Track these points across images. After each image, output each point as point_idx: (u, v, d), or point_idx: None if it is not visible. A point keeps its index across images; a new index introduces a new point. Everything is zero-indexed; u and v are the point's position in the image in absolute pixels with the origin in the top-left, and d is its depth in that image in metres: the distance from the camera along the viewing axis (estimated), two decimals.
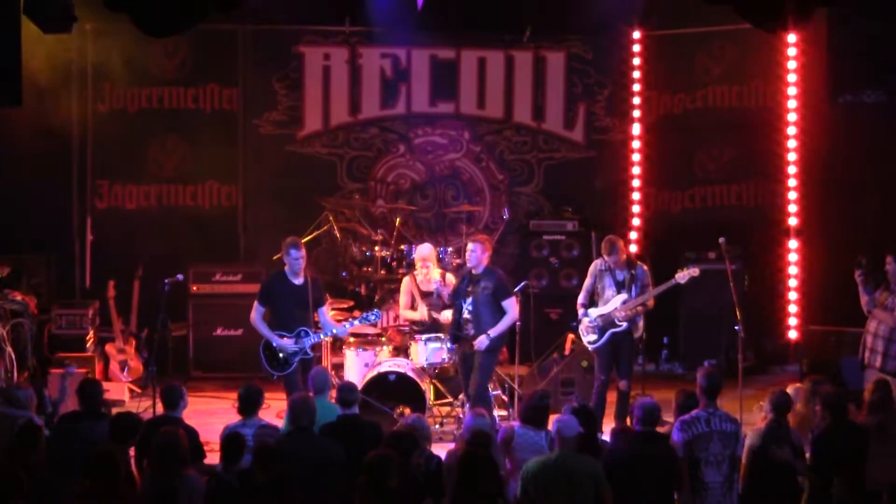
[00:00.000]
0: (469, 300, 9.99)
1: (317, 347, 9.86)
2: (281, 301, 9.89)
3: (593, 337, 10.32)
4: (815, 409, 8.35)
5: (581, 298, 10.44)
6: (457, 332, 10.12)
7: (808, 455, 7.99)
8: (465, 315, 10.02)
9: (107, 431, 7.78)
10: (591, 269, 10.44)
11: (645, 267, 10.45)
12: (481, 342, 9.93)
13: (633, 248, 13.12)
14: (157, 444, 7.24)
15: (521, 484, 7.27)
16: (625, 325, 10.22)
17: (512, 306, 10.04)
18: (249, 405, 8.20)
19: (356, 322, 10.28)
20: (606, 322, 10.24)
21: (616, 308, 10.20)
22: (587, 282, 10.44)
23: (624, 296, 10.20)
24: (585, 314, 10.33)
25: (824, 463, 7.80)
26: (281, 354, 9.76)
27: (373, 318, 10.27)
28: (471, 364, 10.01)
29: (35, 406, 8.55)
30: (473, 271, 10.01)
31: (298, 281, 9.85)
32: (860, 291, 10.09)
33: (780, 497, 7.82)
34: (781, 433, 7.88)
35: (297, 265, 9.84)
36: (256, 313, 9.94)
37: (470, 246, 10.01)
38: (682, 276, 10.28)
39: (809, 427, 8.32)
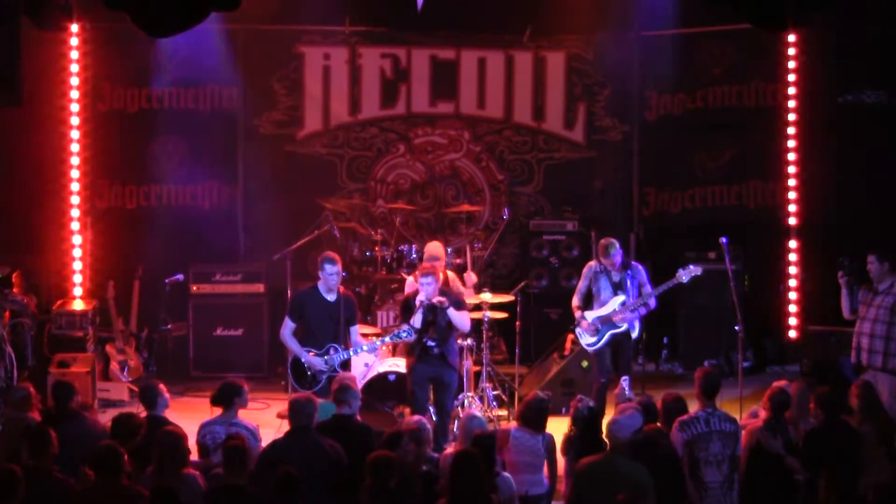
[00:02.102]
0: (431, 330, 9.75)
1: (347, 364, 9.67)
2: (312, 317, 9.73)
3: (592, 339, 10.31)
4: (809, 408, 8.34)
5: (576, 301, 10.42)
6: (424, 355, 9.77)
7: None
8: (430, 344, 9.72)
9: (82, 430, 7.82)
10: (586, 271, 10.42)
11: (640, 266, 10.46)
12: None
13: (633, 249, 13.12)
14: (158, 444, 7.25)
15: (572, 482, 7.29)
16: (624, 326, 10.22)
17: (467, 317, 9.97)
18: (221, 398, 8.28)
19: (387, 339, 10.02)
20: (605, 324, 10.23)
21: (615, 310, 10.19)
22: (581, 284, 10.42)
23: (622, 297, 10.20)
24: (583, 317, 10.33)
25: (813, 462, 7.79)
26: (309, 371, 9.62)
27: (404, 335, 9.79)
28: (436, 381, 9.80)
29: (38, 404, 8.58)
30: (430, 301, 9.72)
31: (331, 297, 9.70)
32: (842, 295, 10.04)
33: (778, 496, 7.83)
34: (779, 429, 7.89)
35: (332, 280, 9.67)
36: (286, 329, 9.75)
37: (426, 279, 9.66)
38: (685, 274, 10.26)
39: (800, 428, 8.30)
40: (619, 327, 10.21)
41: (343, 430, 7.97)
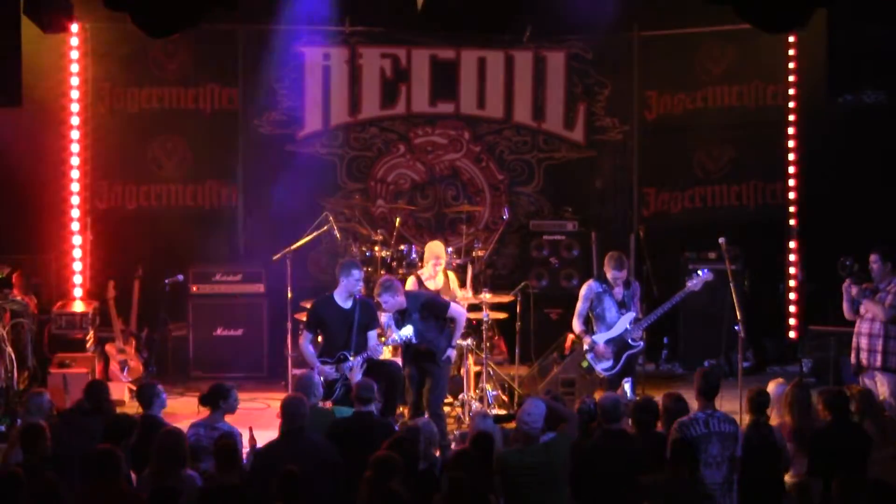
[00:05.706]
0: (411, 333, 9.68)
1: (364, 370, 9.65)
2: (328, 325, 9.76)
3: (608, 363, 10.09)
4: (808, 409, 8.33)
5: (579, 326, 10.15)
6: (407, 349, 9.85)
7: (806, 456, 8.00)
8: (411, 340, 9.69)
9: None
10: (586, 292, 10.13)
11: (636, 282, 10.39)
12: (451, 354, 9.91)
13: (633, 249, 13.12)
14: (158, 444, 7.25)
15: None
16: (640, 344, 10.11)
17: (456, 310, 9.91)
18: (208, 399, 8.31)
19: (389, 342, 10.01)
20: (620, 346, 10.05)
21: (627, 329, 10.05)
22: (581, 306, 10.12)
23: (632, 314, 10.03)
24: (594, 343, 10.08)
25: (824, 463, 7.78)
26: (324, 382, 9.49)
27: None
28: (424, 377, 9.82)
29: (50, 412, 8.59)
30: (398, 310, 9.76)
31: (346, 304, 9.73)
32: (844, 298, 10.00)
33: (766, 492, 7.82)
34: (761, 430, 7.87)
35: (357, 287, 9.74)
36: (305, 340, 9.82)
37: (383, 298, 9.63)
38: (696, 283, 10.19)
39: (792, 430, 8.28)
40: (636, 346, 10.10)
41: (363, 427, 8.01)
